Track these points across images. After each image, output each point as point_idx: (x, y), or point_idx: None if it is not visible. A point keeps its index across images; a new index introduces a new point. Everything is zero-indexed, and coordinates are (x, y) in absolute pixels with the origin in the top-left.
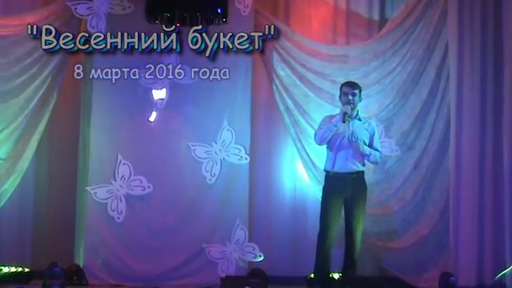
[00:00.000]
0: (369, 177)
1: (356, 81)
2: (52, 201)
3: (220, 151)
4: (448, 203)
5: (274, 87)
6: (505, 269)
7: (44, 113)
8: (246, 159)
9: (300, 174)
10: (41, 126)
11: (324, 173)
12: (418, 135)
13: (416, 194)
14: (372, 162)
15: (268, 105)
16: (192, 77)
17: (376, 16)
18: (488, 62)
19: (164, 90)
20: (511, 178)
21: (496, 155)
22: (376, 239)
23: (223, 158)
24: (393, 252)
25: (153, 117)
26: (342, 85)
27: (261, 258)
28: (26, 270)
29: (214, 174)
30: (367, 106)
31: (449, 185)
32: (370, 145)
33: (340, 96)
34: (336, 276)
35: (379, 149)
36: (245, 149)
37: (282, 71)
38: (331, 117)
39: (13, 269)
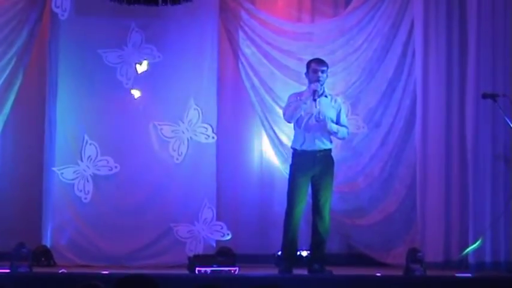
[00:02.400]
0: (335, 155)
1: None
2: (18, 182)
3: (187, 130)
4: (415, 179)
5: (240, 65)
6: (471, 245)
7: (9, 94)
8: (213, 138)
9: (267, 152)
10: (7, 108)
11: (291, 151)
12: (384, 112)
13: (383, 171)
14: (340, 139)
15: (234, 84)
16: (158, 55)
17: None
18: (454, 38)
19: (130, 69)
20: (476, 154)
21: (461, 131)
22: (344, 216)
23: (190, 137)
24: (361, 229)
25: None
26: (310, 62)
27: (229, 237)
28: None
29: (182, 153)
30: (334, 83)
31: (416, 162)
32: (337, 122)
33: (307, 73)
34: (304, 253)
35: (346, 125)
36: (212, 128)
37: (247, 49)
38: (297, 94)
39: None
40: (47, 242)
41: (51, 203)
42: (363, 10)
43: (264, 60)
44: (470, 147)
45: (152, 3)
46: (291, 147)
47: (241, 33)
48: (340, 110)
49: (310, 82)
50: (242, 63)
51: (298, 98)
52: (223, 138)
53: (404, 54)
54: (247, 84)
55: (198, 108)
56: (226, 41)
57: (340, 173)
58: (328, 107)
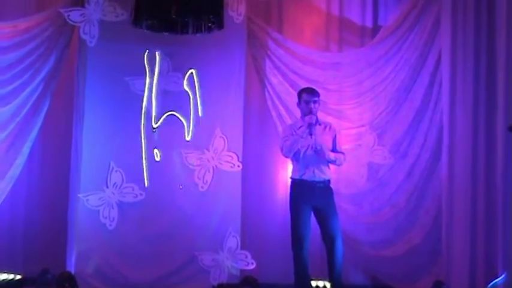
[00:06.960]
0: (362, 185)
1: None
2: (44, 208)
3: (212, 158)
4: (441, 210)
5: (266, 94)
6: (498, 278)
7: (36, 120)
8: (238, 166)
9: None
10: (33, 134)
11: None
12: (411, 142)
13: (409, 202)
14: (338, 166)
15: (260, 113)
16: (185, 83)
17: (369, 23)
18: (481, 69)
19: (156, 97)
20: (504, 185)
21: (488, 162)
22: (369, 247)
23: (216, 166)
24: (386, 260)
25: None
26: (301, 92)
27: (254, 266)
28: (18, 277)
29: (207, 181)
30: (360, 114)
31: (442, 193)
32: (334, 148)
33: (299, 104)
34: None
35: (342, 151)
36: (237, 156)
37: (274, 78)
38: (293, 126)
39: (4, 276)
40: (72, 268)
41: (76, 230)
42: (391, 40)
43: (291, 90)
44: (498, 178)
45: (179, 32)
46: (290, 178)
47: (268, 62)
48: (335, 136)
49: (303, 113)
50: (269, 92)
51: (294, 130)
52: (248, 167)
53: (431, 84)
54: (273, 113)
55: (224, 137)
56: (253, 70)
57: (365, 203)
58: (324, 135)
